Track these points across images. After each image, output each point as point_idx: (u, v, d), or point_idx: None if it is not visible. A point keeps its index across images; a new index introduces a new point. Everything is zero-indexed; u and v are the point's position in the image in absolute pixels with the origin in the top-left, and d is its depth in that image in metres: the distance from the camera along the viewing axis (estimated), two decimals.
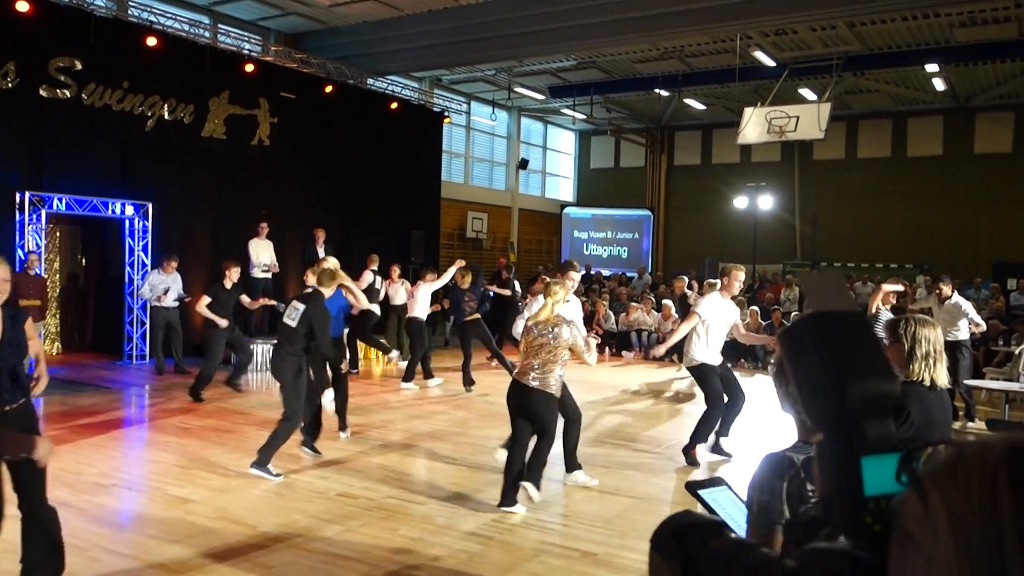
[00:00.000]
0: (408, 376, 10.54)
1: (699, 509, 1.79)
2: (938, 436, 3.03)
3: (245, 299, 9.98)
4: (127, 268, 11.71)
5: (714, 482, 1.84)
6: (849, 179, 21.35)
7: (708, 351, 6.82)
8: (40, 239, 10.64)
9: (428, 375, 10.73)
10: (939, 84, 18.07)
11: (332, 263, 7.34)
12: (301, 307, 6.54)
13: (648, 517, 5.03)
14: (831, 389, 0.85)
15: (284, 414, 6.36)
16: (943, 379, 3.05)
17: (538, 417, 5.45)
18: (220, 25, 14.76)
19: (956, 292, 9.24)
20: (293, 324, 6.48)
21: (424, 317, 10.77)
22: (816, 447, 0.87)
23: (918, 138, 20.89)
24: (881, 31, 14.96)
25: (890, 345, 3.14)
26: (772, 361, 6.95)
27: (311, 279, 7.56)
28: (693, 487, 1.83)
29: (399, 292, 11.98)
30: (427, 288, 10.89)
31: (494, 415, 9.25)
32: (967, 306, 9.03)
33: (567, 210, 24.02)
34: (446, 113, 17.91)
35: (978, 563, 0.60)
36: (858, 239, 20.86)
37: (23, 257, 10.05)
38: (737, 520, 1.85)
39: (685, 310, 11.76)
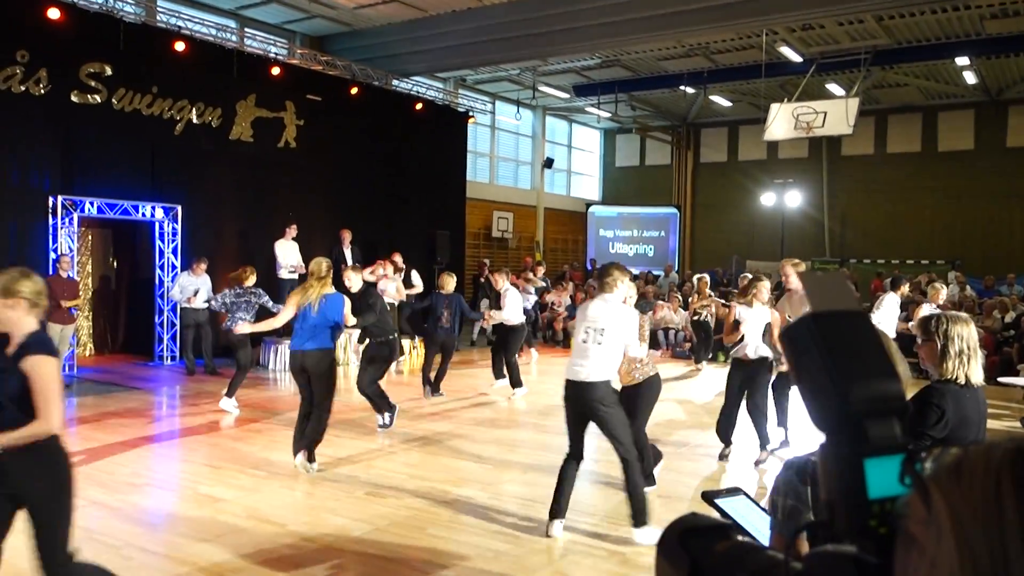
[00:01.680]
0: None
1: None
2: (973, 435, 2.99)
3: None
4: (157, 270, 11.88)
5: (731, 491, 1.84)
6: (878, 175, 21.07)
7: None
8: (72, 242, 10.83)
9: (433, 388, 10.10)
10: (970, 77, 17.78)
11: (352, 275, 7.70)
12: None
13: (675, 516, 5.01)
14: (832, 390, 0.84)
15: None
16: (978, 376, 3.01)
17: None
18: (247, 29, 14.93)
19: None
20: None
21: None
22: (819, 449, 0.87)
23: (949, 132, 20.56)
24: (910, 24, 14.75)
25: (923, 343, 3.10)
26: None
27: (351, 280, 7.61)
28: (710, 496, 1.83)
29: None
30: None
31: (518, 413, 9.27)
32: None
33: (592, 209, 23.96)
34: (471, 113, 17.95)
35: (981, 566, 0.60)
36: (888, 235, 20.59)
37: (55, 260, 10.23)
38: (759, 527, 1.84)
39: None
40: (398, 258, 12.17)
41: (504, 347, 10.26)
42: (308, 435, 6.42)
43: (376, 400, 7.89)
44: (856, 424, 0.82)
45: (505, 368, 10.21)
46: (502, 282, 10.52)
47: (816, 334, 0.87)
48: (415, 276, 12.97)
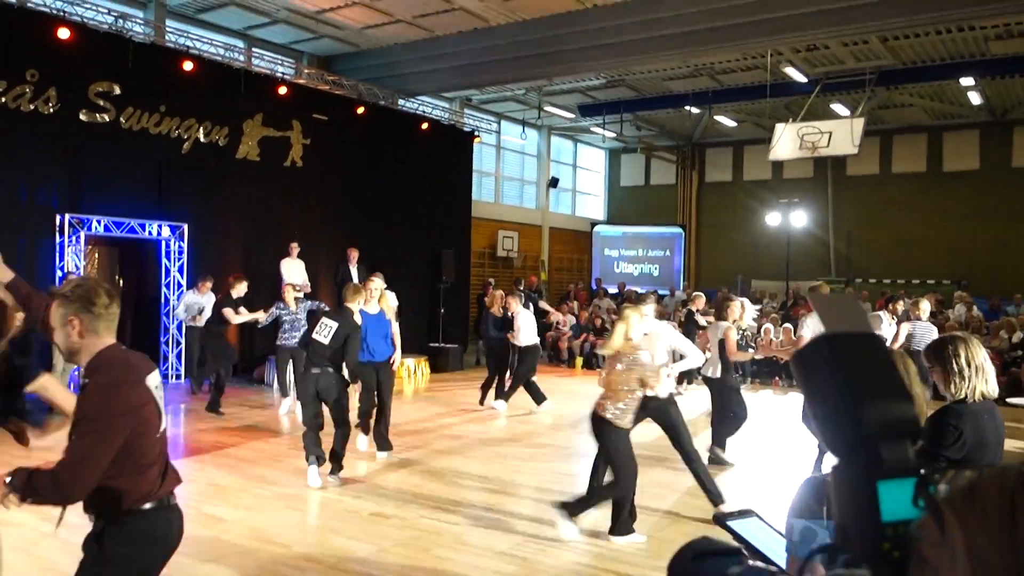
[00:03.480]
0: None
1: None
2: (990, 457, 2.98)
3: (229, 313, 9.90)
4: (163, 288, 11.90)
5: (743, 513, 1.83)
6: (884, 194, 21.06)
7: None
8: (80, 260, 10.86)
9: None
10: (975, 98, 17.81)
11: (376, 283, 7.56)
12: (333, 324, 6.61)
13: (682, 537, 4.97)
14: (845, 412, 0.83)
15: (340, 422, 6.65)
16: (991, 389, 3.02)
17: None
18: (254, 49, 15.04)
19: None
20: (325, 341, 6.55)
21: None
22: (832, 471, 0.86)
23: (954, 152, 20.56)
24: (915, 45, 14.80)
25: (932, 368, 3.12)
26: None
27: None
28: (722, 519, 1.81)
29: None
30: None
31: (522, 433, 9.23)
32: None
33: (597, 228, 23.98)
34: (476, 132, 18.02)
35: None
36: (894, 255, 20.55)
37: (62, 278, 10.26)
38: (774, 550, 1.82)
39: (692, 328, 11.79)
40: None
41: (522, 367, 10.57)
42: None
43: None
44: (870, 447, 0.82)
45: (524, 388, 10.57)
46: (515, 305, 10.64)
47: (829, 356, 0.86)
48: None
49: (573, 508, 5.40)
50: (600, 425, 5.27)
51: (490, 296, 11.14)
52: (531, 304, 13.70)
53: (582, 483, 6.53)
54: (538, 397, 10.54)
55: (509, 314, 10.69)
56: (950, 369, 3.00)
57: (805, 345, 0.92)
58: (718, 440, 7.62)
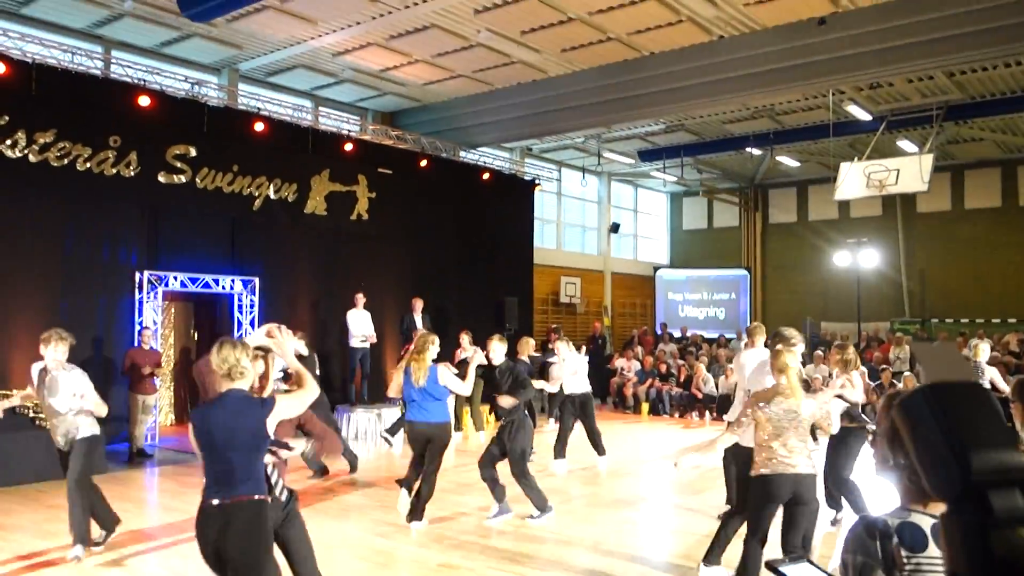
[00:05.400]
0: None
1: None
2: None
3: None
4: None
5: (795, 559, 1.81)
6: (957, 231, 20.46)
7: None
8: (158, 315, 11.26)
9: None
10: None
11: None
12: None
13: None
14: (953, 461, 0.84)
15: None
16: None
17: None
18: (321, 108, 15.57)
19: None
20: None
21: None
22: (942, 520, 0.86)
23: None
24: (982, 78, 14.48)
25: (1013, 404, 3.01)
26: (873, 428, 6.58)
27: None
28: (774, 566, 1.80)
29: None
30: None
31: (589, 482, 9.10)
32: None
33: (660, 272, 23.82)
34: (537, 181, 18.21)
35: None
36: (969, 293, 19.85)
37: (139, 332, 10.63)
38: None
39: None
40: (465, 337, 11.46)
41: (566, 417, 9.92)
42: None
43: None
44: (979, 495, 0.82)
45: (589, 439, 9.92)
46: (559, 348, 10.27)
47: (934, 404, 0.88)
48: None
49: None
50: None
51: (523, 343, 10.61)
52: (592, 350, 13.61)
53: (638, 532, 6.40)
54: (556, 451, 9.82)
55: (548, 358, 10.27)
56: None
57: (909, 394, 0.93)
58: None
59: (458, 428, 12.61)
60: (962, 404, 0.90)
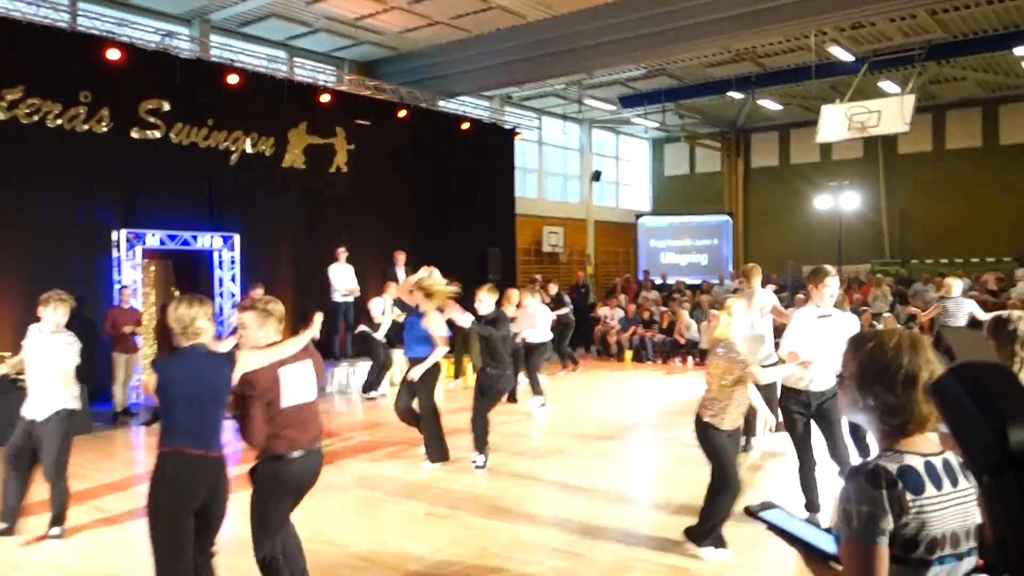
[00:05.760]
0: None
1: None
2: None
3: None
4: (217, 298, 12.15)
5: (767, 505, 1.85)
6: (938, 172, 20.49)
7: None
8: (137, 273, 11.15)
9: None
10: None
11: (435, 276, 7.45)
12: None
13: (733, 530, 4.92)
14: (991, 434, 0.92)
15: None
16: None
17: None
18: (296, 59, 15.26)
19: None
20: None
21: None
22: (982, 491, 0.97)
23: (1011, 125, 19.90)
24: (965, 16, 14.35)
25: (990, 342, 2.98)
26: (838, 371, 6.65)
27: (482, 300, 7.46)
28: (754, 511, 1.83)
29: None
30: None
31: (569, 429, 9.21)
32: None
33: (642, 219, 23.79)
34: (517, 129, 18.03)
35: None
36: (950, 234, 19.98)
37: (119, 291, 10.53)
38: (808, 535, 1.82)
39: None
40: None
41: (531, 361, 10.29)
42: None
43: (479, 436, 7.33)
44: (1019, 464, 0.90)
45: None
46: (525, 299, 10.33)
47: (969, 383, 0.99)
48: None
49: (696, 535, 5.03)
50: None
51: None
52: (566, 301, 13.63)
53: (623, 477, 6.48)
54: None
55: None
56: (1012, 349, 2.86)
57: (940, 376, 1.04)
58: None
59: (460, 374, 12.76)
60: (992, 381, 1.01)
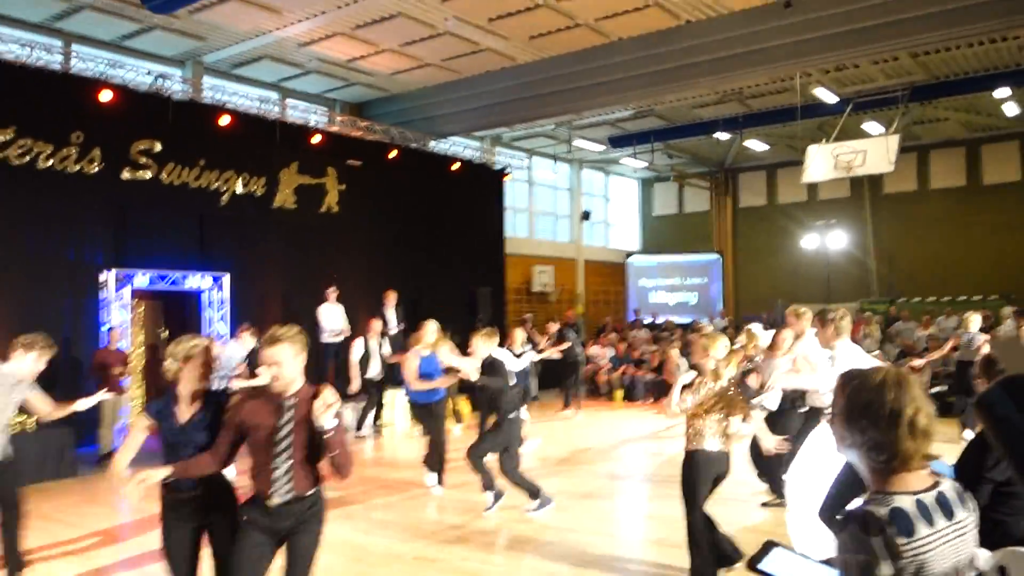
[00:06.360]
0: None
1: None
2: None
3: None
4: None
5: (766, 549, 1.81)
6: (923, 211, 20.72)
7: None
8: (126, 314, 11.07)
9: None
10: (1011, 108, 17.48)
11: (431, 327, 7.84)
12: None
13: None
14: None
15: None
16: None
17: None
18: (288, 100, 15.37)
19: None
20: None
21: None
22: None
23: (994, 165, 20.20)
24: (946, 59, 14.64)
25: (979, 380, 3.04)
26: (828, 410, 6.65)
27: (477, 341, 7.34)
28: (753, 563, 1.80)
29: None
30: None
31: (576, 465, 9.13)
32: None
33: (631, 259, 23.89)
34: (507, 169, 18.15)
35: None
36: (937, 273, 20.13)
37: (107, 332, 10.43)
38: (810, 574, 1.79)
39: None
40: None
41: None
42: None
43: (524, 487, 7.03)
44: None
45: None
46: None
47: (1017, 397, 0.97)
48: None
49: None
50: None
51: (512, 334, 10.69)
52: (565, 338, 13.61)
53: (615, 518, 6.40)
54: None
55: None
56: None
57: (985, 391, 1.03)
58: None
59: (459, 420, 12.58)
60: None
